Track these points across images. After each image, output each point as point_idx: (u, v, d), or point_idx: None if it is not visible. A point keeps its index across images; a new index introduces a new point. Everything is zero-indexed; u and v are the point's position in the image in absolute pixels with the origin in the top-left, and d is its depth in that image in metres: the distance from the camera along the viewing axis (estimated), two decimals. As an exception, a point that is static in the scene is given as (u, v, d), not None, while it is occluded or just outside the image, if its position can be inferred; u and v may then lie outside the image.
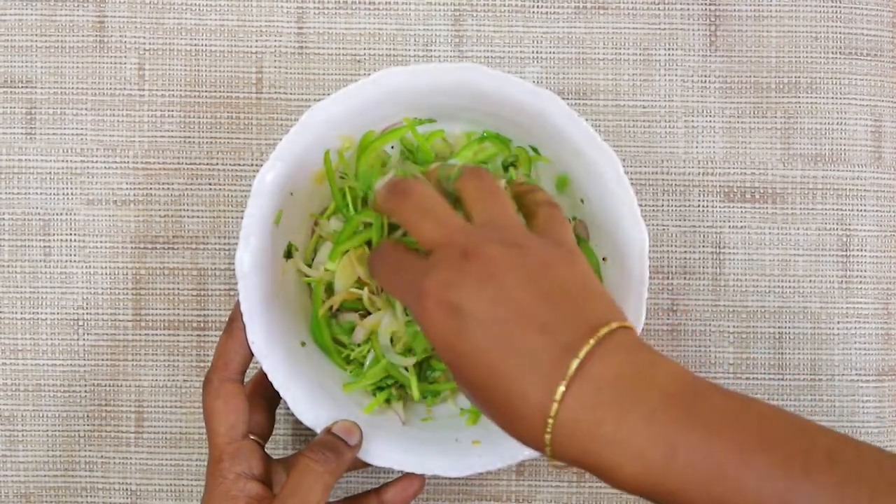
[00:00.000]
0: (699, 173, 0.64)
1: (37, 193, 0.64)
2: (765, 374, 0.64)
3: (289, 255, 0.58)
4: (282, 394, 0.55)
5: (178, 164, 0.64)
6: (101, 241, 0.64)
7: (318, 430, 0.55)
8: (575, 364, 0.43)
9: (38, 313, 0.64)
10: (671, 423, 0.42)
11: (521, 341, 0.44)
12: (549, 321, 0.44)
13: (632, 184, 0.55)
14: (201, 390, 0.55)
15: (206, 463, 0.64)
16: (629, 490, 0.44)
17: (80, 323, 0.64)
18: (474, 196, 0.50)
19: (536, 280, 0.45)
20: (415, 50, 0.65)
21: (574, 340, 0.44)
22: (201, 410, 0.63)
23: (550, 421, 0.43)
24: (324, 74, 0.65)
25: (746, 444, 0.42)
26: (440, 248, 0.46)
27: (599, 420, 0.43)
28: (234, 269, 0.57)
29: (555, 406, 0.43)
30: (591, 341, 0.43)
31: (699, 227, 0.64)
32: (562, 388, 0.43)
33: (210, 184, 0.64)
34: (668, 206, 0.64)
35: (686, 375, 0.44)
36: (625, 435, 0.43)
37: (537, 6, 0.65)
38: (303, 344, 0.58)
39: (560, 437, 0.43)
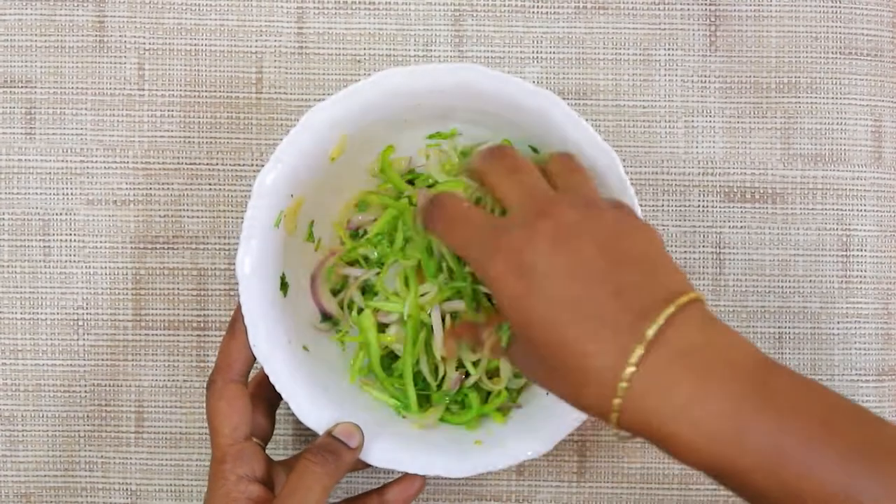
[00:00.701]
0: (699, 173, 0.64)
1: (36, 193, 0.64)
2: (765, 374, 0.64)
3: (283, 286, 0.58)
4: (284, 396, 0.55)
5: (178, 164, 0.64)
6: (100, 242, 0.64)
7: (320, 432, 0.55)
8: (653, 330, 0.43)
9: (37, 313, 0.64)
10: (743, 400, 0.42)
11: (595, 304, 0.43)
12: (623, 286, 0.44)
13: (632, 184, 0.55)
14: (204, 391, 0.55)
15: (206, 463, 0.64)
16: (694, 464, 0.43)
17: (80, 323, 0.64)
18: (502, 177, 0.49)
19: (611, 245, 0.45)
20: (415, 50, 0.65)
21: (651, 307, 0.43)
22: (202, 410, 0.63)
23: (623, 385, 0.42)
24: (324, 74, 0.65)
25: (815, 429, 0.42)
26: (519, 207, 0.47)
27: (673, 389, 0.42)
28: (234, 269, 0.57)
29: (629, 370, 0.42)
30: (671, 308, 0.43)
31: (699, 227, 0.64)
32: (639, 352, 0.42)
33: (210, 184, 0.64)
34: (668, 206, 0.64)
35: (757, 353, 0.44)
36: (695, 407, 0.42)
37: (537, 6, 0.65)
38: (305, 348, 0.58)
39: (630, 402, 0.43)
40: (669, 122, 0.65)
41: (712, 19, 0.65)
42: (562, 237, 0.45)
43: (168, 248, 0.64)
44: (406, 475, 0.59)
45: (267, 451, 0.56)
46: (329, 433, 0.54)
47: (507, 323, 0.49)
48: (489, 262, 0.46)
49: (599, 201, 0.47)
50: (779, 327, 0.64)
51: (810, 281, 0.64)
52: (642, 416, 0.43)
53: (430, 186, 0.61)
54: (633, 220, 0.47)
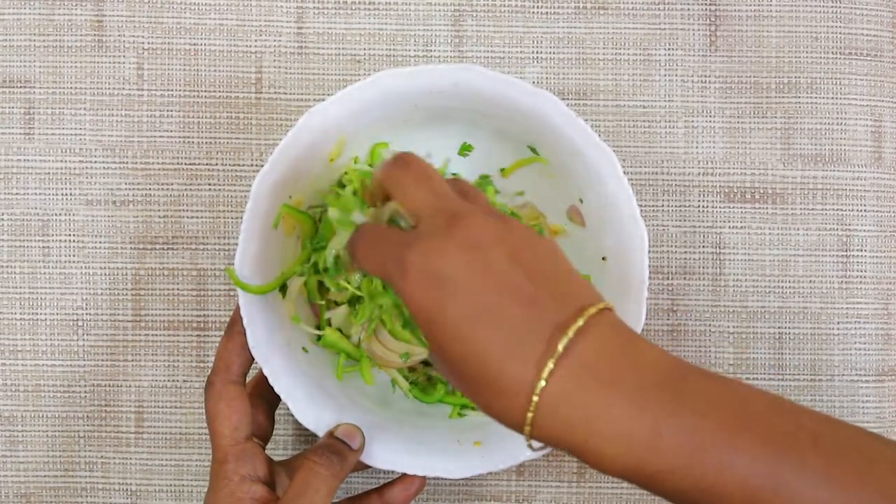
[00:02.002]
0: (699, 173, 0.64)
1: (36, 194, 0.64)
2: (765, 374, 0.64)
3: (282, 287, 0.58)
4: (283, 397, 0.55)
5: (178, 164, 0.64)
6: (100, 242, 0.64)
7: (320, 434, 0.55)
8: (564, 342, 0.42)
9: (37, 314, 0.64)
10: (656, 403, 0.42)
11: (508, 317, 0.43)
12: (535, 297, 0.43)
13: (632, 184, 0.55)
14: (203, 392, 0.55)
15: (206, 463, 0.64)
16: (613, 472, 0.43)
17: (80, 323, 0.64)
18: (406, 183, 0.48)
19: (521, 257, 0.44)
20: (415, 50, 0.64)
21: (563, 319, 0.43)
22: (201, 411, 0.63)
23: (535, 398, 0.42)
24: (323, 74, 0.64)
25: (732, 425, 0.42)
26: (428, 216, 0.45)
27: (584, 400, 0.42)
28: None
29: (541, 384, 0.42)
30: (580, 321, 0.43)
31: (699, 227, 0.64)
32: (550, 366, 0.42)
33: (209, 184, 0.64)
34: (668, 206, 0.64)
35: (668, 357, 0.44)
36: (610, 415, 0.42)
37: (537, 6, 0.65)
38: (304, 350, 0.58)
39: (543, 416, 0.43)
40: (669, 122, 0.64)
41: (712, 19, 0.65)
42: (473, 246, 0.44)
43: (167, 249, 0.64)
44: (406, 474, 0.59)
45: (267, 452, 0.56)
46: (331, 434, 0.54)
47: None
48: (401, 274, 0.44)
49: (504, 214, 0.46)
50: (779, 327, 0.64)
51: (810, 281, 0.64)
52: (555, 428, 0.43)
53: None
54: (536, 234, 0.46)
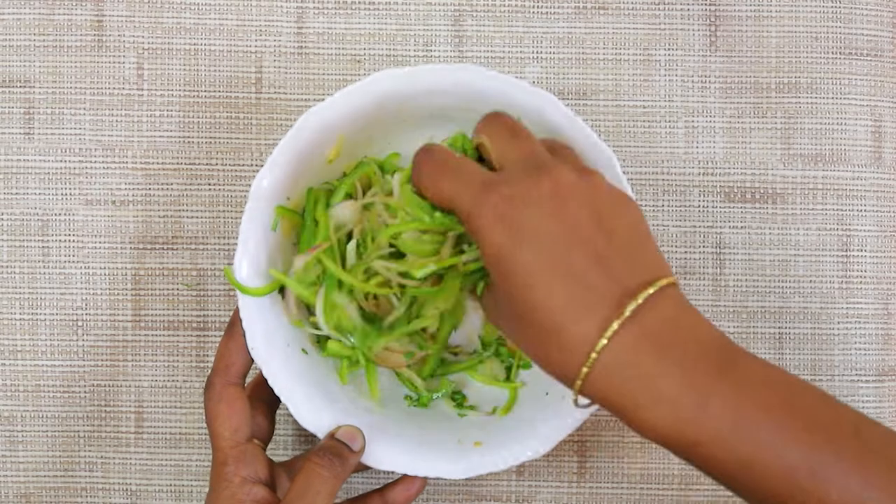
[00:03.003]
0: (699, 173, 0.64)
1: (35, 194, 0.64)
2: (764, 374, 0.64)
3: (281, 289, 0.58)
4: (283, 399, 0.55)
5: (178, 164, 0.64)
6: (100, 242, 0.64)
7: (320, 435, 0.55)
8: (632, 307, 0.44)
9: (37, 314, 0.64)
10: (707, 376, 0.44)
11: (577, 269, 0.44)
12: (607, 257, 0.45)
13: (632, 184, 0.55)
14: (203, 393, 0.55)
15: (206, 463, 0.64)
16: (653, 436, 0.44)
17: (80, 323, 0.64)
18: (501, 136, 0.49)
19: (604, 215, 0.45)
20: (415, 50, 0.64)
21: (633, 285, 0.44)
22: (201, 411, 0.63)
23: (594, 355, 0.44)
24: (323, 74, 0.64)
25: (776, 407, 0.43)
26: (516, 164, 0.47)
27: (639, 364, 0.44)
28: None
29: (602, 342, 0.43)
30: (651, 289, 0.44)
31: (699, 227, 0.64)
32: (615, 327, 0.43)
33: (209, 184, 0.64)
34: (668, 206, 0.64)
35: (724, 337, 0.46)
36: (661, 380, 0.44)
37: (537, 6, 0.65)
38: (304, 351, 0.58)
39: (597, 373, 0.44)
40: (669, 122, 0.65)
41: (712, 19, 0.65)
42: (558, 197, 0.45)
43: (167, 249, 0.64)
44: (407, 475, 0.58)
45: (267, 453, 0.56)
46: (332, 436, 0.54)
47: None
48: (478, 209, 0.45)
49: (596, 172, 0.47)
50: (779, 327, 0.64)
51: (810, 281, 0.64)
52: (606, 388, 0.44)
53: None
54: (627, 197, 0.47)
